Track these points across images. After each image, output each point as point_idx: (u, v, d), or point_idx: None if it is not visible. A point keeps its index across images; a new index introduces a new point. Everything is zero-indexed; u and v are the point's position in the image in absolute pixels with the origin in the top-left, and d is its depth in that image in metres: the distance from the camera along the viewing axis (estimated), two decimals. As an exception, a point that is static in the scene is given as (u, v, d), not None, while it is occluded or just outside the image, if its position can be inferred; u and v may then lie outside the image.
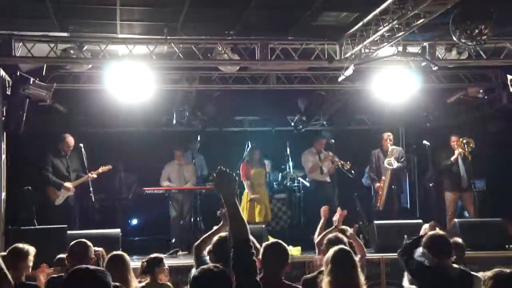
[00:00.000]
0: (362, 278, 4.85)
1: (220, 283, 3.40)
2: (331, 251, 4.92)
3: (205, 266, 3.70)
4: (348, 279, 4.76)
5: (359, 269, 4.89)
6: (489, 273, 3.81)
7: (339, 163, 10.90)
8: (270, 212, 11.19)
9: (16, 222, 9.15)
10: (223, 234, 5.17)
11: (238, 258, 3.45)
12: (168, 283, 6.03)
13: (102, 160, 10.50)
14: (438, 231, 5.81)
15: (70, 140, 10.09)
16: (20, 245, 5.55)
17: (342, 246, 5.20)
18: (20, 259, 5.44)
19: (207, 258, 5.22)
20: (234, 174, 3.67)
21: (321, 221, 7.32)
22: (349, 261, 4.86)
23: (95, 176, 10.07)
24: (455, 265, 5.35)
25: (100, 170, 10.19)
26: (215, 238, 5.20)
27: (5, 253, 5.53)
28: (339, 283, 4.71)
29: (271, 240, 6.20)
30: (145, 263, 5.90)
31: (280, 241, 5.05)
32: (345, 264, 4.81)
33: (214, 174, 3.68)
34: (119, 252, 5.82)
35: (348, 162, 10.90)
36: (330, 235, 6.04)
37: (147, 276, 5.78)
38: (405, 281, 6.02)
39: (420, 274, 5.28)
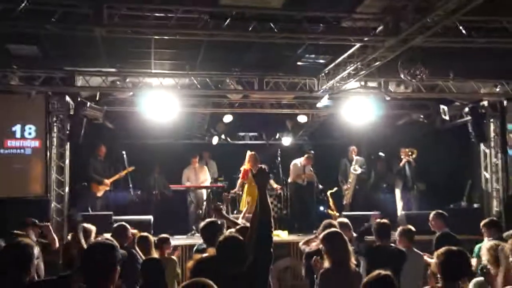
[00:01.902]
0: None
1: (239, 245, 3.53)
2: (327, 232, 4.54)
3: (228, 234, 3.75)
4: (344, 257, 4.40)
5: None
6: (441, 250, 3.62)
7: (315, 183, 10.71)
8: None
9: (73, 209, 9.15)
10: (208, 220, 5.11)
11: (261, 232, 3.50)
12: (173, 257, 6.03)
13: (139, 164, 10.46)
14: (382, 220, 5.56)
15: (103, 148, 10.14)
16: (86, 224, 5.44)
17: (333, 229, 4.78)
18: (87, 236, 5.43)
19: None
20: (269, 172, 3.64)
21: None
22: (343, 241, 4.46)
23: (123, 175, 10.02)
24: (392, 245, 5.47)
25: (129, 169, 10.06)
26: (202, 224, 5.09)
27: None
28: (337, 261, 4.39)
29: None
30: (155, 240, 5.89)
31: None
32: (340, 243, 4.42)
33: (255, 172, 3.68)
34: (145, 233, 5.86)
35: (321, 186, 10.74)
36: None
37: (157, 251, 5.75)
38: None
39: (368, 253, 5.18)
